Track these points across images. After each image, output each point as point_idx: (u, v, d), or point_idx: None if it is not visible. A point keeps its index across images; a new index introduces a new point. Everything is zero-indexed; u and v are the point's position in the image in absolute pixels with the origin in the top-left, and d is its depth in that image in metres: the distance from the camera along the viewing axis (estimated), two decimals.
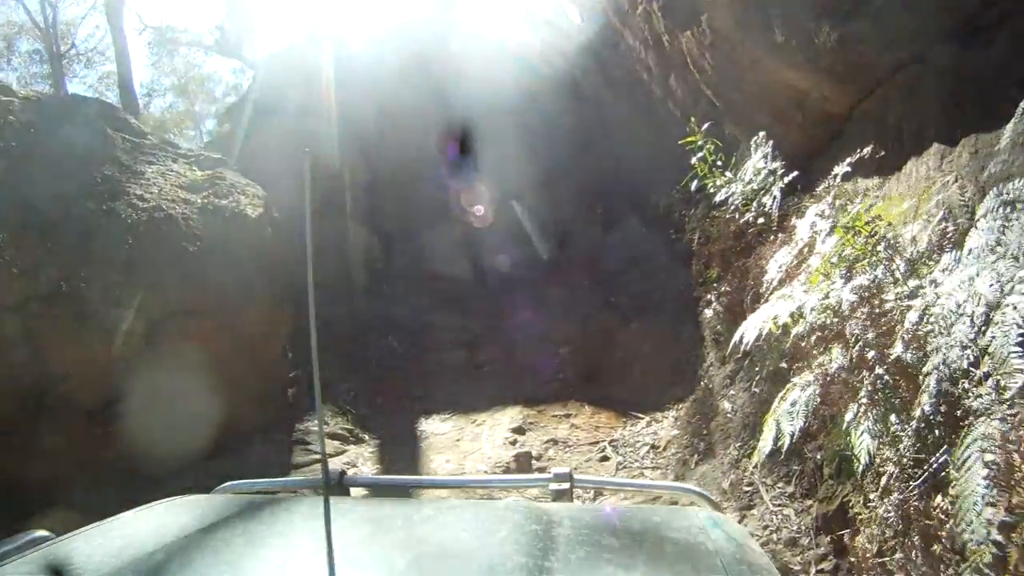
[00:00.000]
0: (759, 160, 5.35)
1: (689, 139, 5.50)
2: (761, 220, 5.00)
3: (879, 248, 3.00)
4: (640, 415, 6.42)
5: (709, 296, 7.13)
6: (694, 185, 5.68)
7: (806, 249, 3.44)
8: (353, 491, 1.66)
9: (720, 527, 1.17)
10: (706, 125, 5.50)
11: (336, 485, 1.55)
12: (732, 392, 5.30)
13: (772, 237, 4.82)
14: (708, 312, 7.07)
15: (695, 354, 6.83)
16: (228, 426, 6.57)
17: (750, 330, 3.37)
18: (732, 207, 5.59)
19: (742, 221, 5.48)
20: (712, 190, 5.44)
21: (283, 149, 17.40)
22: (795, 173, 5.17)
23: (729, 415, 5.14)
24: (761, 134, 5.40)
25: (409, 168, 18.03)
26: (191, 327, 6.71)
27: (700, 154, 5.46)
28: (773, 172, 5.25)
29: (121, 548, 1.14)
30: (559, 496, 1.55)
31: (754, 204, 5.34)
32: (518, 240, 15.15)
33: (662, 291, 8.48)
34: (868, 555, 2.86)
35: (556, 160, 16.91)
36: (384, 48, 16.52)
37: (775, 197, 4.91)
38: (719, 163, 5.44)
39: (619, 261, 11.33)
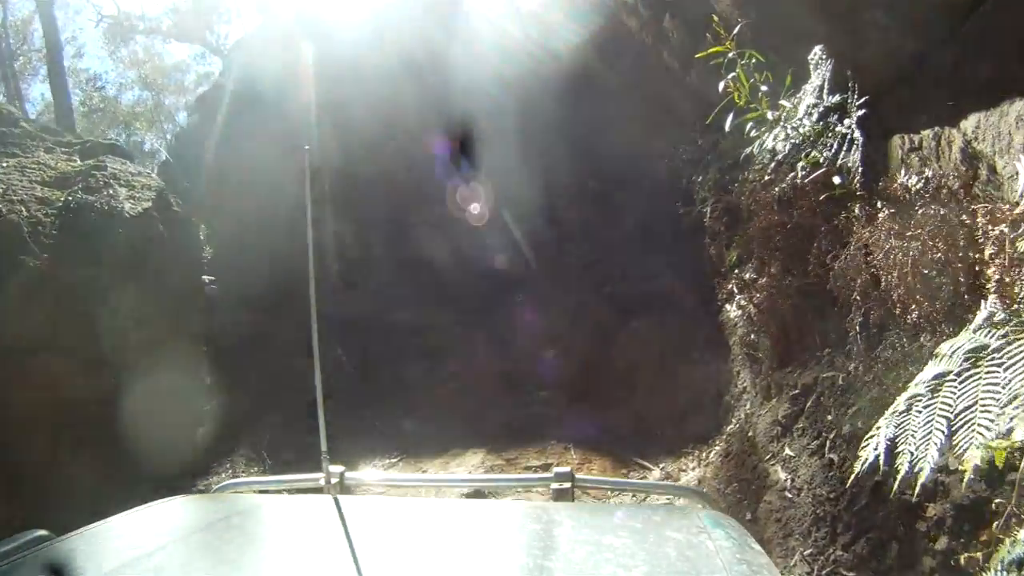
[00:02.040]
0: (813, 93, 3.21)
1: (714, 49, 3.34)
2: (837, 180, 2.85)
3: None
4: (648, 465, 4.37)
5: (731, 287, 5.05)
6: (728, 121, 3.49)
7: None
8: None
9: (720, 527, 1.07)
10: (739, 27, 3.31)
11: (337, 484, 1.43)
12: (788, 451, 3.22)
13: (860, 208, 2.69)
14: (732, 310, 4.98)
15: (719, 369, 4.76)
16: (90, 503, 4.62)
17: (932, 441, 1.26)
18: (772, 163, 3.45)
19: (790, 183, 3.36)
20: (754, 134, 3.30)
21: (257, 139, 15.45)
22: (861, 112, 3.03)
23: (788, 494, 3.08)
24: (816, 50, 3.23)
25: (389, 151, 15.91)
26: (35, 368, 4.72)
27: (732, 74, 3.29)
28: (841, 106, 3.11)
29: (121, 548, 1.09)
30: (560, 496, 1.41)
31: (809, 156, 3.21)
32: (499, 220, 13.04)
33: (669, 278, 6.37)
34: None
35: (540, 128, 14.64)
36: (368, 38, 14.51)
37: (856, 143, 2.77)
38: (764, 88, 3.27)
39: (616, 239, 9.16)
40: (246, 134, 15.88)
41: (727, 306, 5.10)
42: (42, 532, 1.13)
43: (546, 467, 4.52)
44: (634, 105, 10.52)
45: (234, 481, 1.59)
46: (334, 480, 1.41)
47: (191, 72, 19.04)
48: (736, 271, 5.04)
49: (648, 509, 1.25)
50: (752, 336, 4.15)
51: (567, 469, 1.46)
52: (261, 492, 1.66)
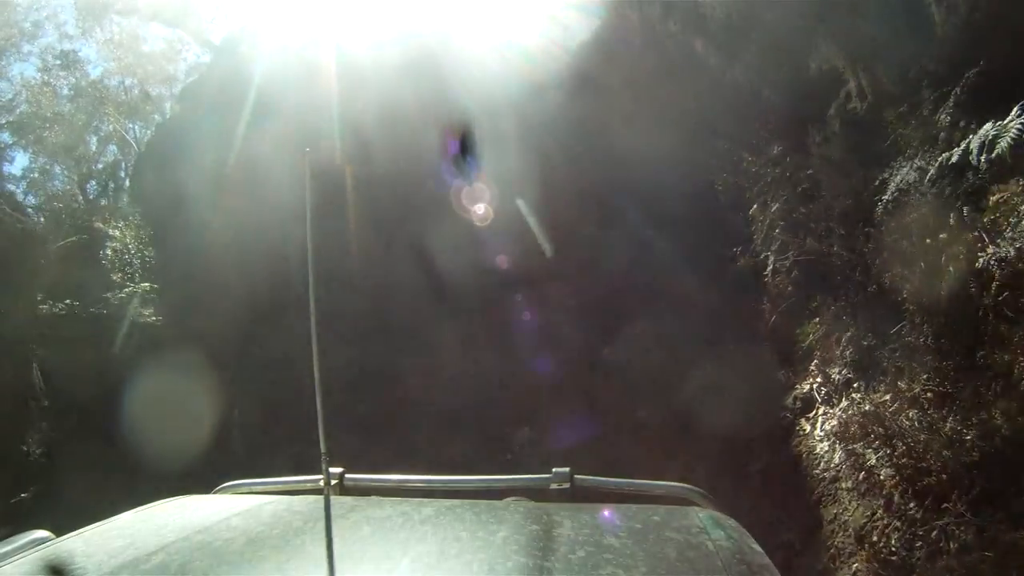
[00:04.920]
0: None
1: None
2: None
3: None
4: None
5: (810, 387, 3.02)
6: None
7: None
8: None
9: (720, 527, 1.05)
10: None
11: (336, 485, 1.43)
12: None
13: None
14: (819, 441, 2.85)
15: (799, 554, 2.55)
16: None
17: None
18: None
19: None
20: None
21: (249, 137, 13.85)
22: None
23: None
24: None
25: (390, 151, 13.88)
26: None
27: None
28: None
29: (121, 548, 1.05)
30: (560, 496, 1.41)
31: None
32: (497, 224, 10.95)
33: (701, 354, 4.15)
34: None
35: (539, 130, 12.38)
36: (369, 37, 12.89)
37: None
38: None
39: (629, 288, 6.67)
40: (235, 130, 13.97)
41: (806, 425, 2.94)
42: (42, 532, 1.10)
43: None
44: (640, 105, 8.38)
45: (234, 482, 1.49)
46: (333, 481, 1.35)
47: (179, 62, 17.12)
48: (817, 360, 2.86)
49: (648, 509, 1.11)
50: (895, 544, 1.97)
51: (566, 469, 1.42)
52: (261, 492, 1.51)
